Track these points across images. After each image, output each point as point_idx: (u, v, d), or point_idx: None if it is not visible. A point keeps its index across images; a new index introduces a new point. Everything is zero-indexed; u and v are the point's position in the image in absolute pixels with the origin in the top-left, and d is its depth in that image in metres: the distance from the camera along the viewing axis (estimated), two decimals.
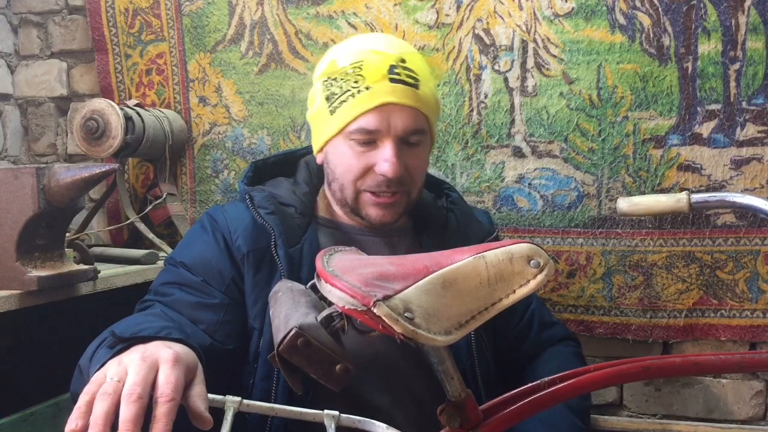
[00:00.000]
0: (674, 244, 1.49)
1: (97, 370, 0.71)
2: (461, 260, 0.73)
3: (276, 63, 1.66)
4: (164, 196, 1.68)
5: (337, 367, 0.72)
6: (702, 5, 1.44)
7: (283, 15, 1.65)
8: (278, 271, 1.04)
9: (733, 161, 1.46)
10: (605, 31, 1.48)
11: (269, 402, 0.97)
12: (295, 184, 1.18)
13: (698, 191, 1.43)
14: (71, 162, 1.85)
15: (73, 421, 0.63)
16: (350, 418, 0.80)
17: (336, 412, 0.79)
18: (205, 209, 1.56)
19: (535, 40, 1.52)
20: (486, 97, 1.56)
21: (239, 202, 1.16)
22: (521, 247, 0.75)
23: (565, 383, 0.80)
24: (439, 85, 1.55)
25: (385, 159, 1.04)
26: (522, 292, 0.73)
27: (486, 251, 0.74)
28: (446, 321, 0.70)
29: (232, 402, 0.76)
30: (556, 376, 0.81)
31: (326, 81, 1.07)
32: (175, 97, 1.73)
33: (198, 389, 0.71)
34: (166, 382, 0.67)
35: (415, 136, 1.07)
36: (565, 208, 1.54)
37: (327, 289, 0.74)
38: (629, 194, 1.49)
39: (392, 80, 1.03)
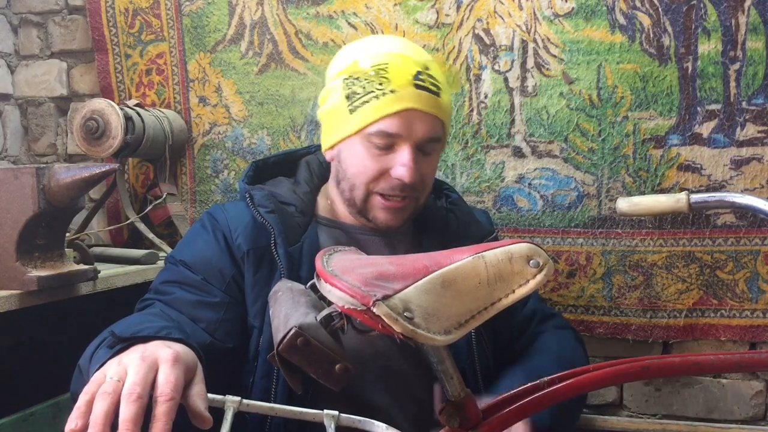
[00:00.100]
0: (674, 244, 1.49)
1: (97, 369, 0.71)
2: (461, 260, 0.73)
3: (276, 63, 1.66)
4: (164, 196, 1.68)
5: (337, 366, 0.72)
6: (702, 5, 1.44)
7: (283, 15, 1.65)
8: (278, 269, 1.05)
9: (733, 161, 1.46)
10: (605, 31, 1.48)
11: (269, 401, 0.98)
12: (296, 183, 1.18)
13: (698, 191, 1.43)
14: (71, 162, 1.85)
15: (73, 421, 0.63)
16: (350, 418, 0.80)
17: (336, 412, 0.79)
18: (205, 209, 1.56)
19: (535, 40, 1.52)
20: (486, 97, 1.56)
21: (239, 201, 1.16)
22: (521, 247, 0.75)
23: (565, 383, 0.80)
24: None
25: (402, 164, 1.04)
26: (521, 291, 0.73)
27: (485, 251, 0.74)
28: (446, 321, 0.70)
29: (231, 402, 0.76)
30: (555, 376, 0.80)
31: (347, 79, 1.06)
32: (175, 97, 1.73)
33: (198, 389, 0.71)
34: (166, 381, 0.67)
35: (431, 144, 1.08)
36: (565, 208, 1.54)
37: (327, 289, 0.74)
38: (629, 194, 1.49)
39: (417, 86, 1.03)
